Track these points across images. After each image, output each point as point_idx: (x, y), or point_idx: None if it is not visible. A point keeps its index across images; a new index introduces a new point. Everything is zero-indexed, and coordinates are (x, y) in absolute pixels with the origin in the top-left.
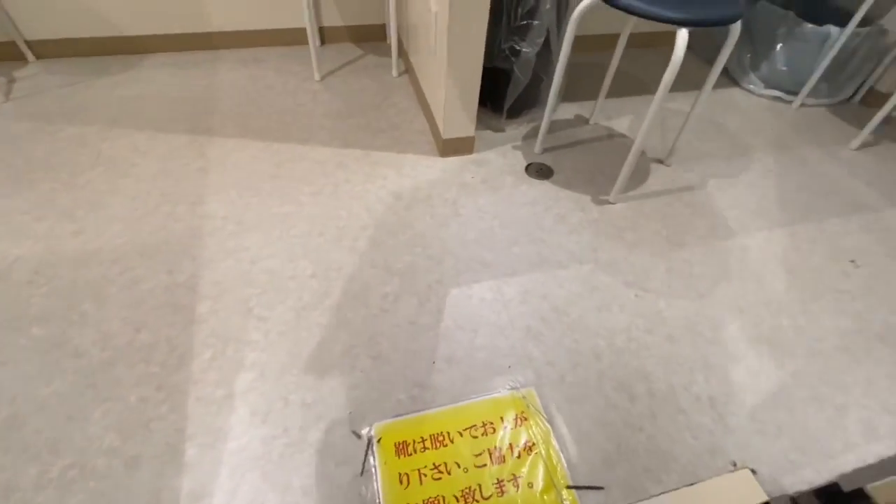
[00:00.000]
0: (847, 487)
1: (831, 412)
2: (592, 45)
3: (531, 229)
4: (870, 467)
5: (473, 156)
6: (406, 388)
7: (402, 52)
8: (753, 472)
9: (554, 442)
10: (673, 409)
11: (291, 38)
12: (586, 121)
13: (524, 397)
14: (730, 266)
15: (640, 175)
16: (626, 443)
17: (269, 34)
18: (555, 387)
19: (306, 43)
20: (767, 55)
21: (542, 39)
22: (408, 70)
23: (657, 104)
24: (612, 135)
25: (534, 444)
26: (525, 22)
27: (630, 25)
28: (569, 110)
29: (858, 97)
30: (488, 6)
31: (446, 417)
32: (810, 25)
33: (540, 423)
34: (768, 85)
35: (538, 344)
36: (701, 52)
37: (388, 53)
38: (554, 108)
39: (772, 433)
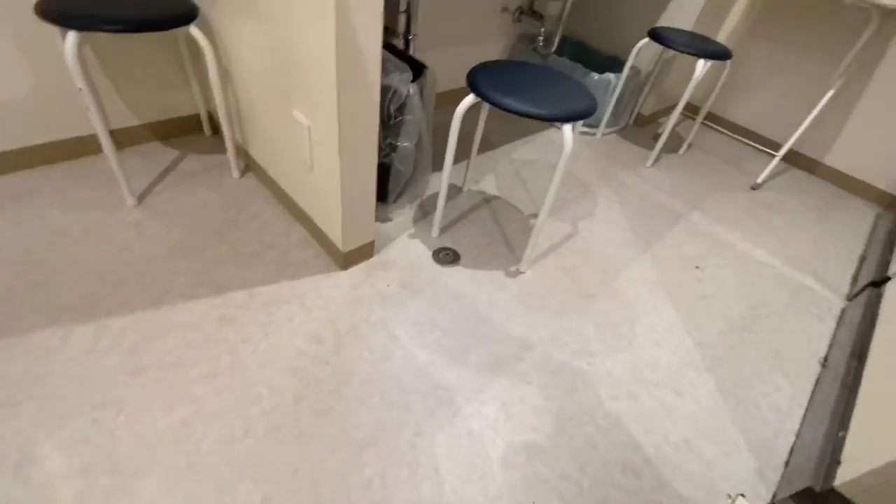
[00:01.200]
0: (818, 487)
1: (752, 409)
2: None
3: (473, 327)
4: (803, 449)
5: (375, 258)
6: None
7: (237, 148)
8: (743, 495)
9: None
10: (669, 468)
11: (63, 152)
12: (460, 189)
13: None
14: (633, 304)
15: (528, 236)
16: None
17: (25, 154)
18: (578, 498)
19: (90, 154)
20: None
21: (418, 132)
22: (250, 166)
23: (556, 185)
24: (486, 198)
25: None
26: (399, 118)
27: None
28: (439, 180)
29: (632, 121)
30: (378, 116)
31: None
32: (596, 75)
33: None
34: None
35: (542, 458)
36: None
37: (213, 149)
38: (447, 193)
39: (733, 450)
